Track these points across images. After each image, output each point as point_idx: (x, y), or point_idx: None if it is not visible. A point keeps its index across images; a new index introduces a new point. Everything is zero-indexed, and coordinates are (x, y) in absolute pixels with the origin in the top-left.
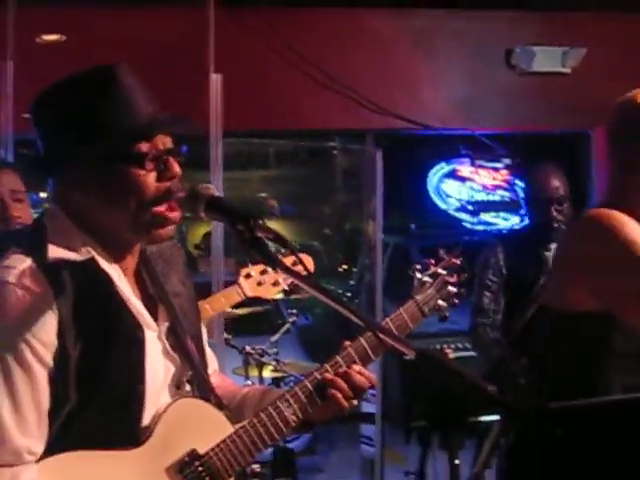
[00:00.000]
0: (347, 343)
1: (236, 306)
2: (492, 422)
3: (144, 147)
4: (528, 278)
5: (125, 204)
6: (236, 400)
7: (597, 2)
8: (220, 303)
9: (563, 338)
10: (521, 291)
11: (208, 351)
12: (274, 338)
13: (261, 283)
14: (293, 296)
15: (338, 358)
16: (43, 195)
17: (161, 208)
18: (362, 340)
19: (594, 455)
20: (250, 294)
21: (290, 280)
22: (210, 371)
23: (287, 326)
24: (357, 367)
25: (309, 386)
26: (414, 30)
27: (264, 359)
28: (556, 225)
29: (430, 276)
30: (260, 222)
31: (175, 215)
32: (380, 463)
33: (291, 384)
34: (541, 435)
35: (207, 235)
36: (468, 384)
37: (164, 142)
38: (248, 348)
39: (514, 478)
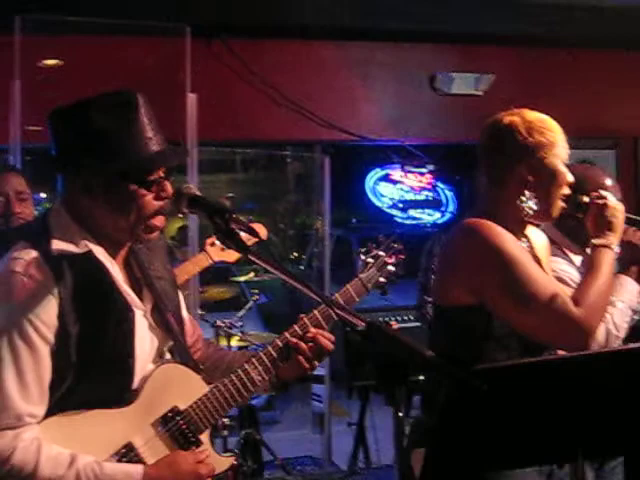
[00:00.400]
0: (302, 315)
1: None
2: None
3: (154, 175)
4: None
5: (127, 216)
6: (219, 362)
7: (503, 38)
8: (192, 267)
9: (448, 329)
10: None
11: (191, 319)
12: (240, 314)
13: (224, 249)
14: (255, 278)
15: (295, 327)
16: (43, 195)
17: (154, 221)
18: (316, 312)
19: (513, 407)
20: (216, 259)
21: (250, 243)
22: (195, 337)
23: (250, 304)
24: (321, 331)
25: (272, 352)
26: (353, 59)
27: (232, 331)
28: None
29: (372, 257)
30: (233, 216)
31: (162, 222)
32: (328, 416)
33: (254, 351)
34: (469, 391)
35: (181, 228)
36: (409, 349)
37: (163, 170)
38: (219, 322)
39: (444, 429)
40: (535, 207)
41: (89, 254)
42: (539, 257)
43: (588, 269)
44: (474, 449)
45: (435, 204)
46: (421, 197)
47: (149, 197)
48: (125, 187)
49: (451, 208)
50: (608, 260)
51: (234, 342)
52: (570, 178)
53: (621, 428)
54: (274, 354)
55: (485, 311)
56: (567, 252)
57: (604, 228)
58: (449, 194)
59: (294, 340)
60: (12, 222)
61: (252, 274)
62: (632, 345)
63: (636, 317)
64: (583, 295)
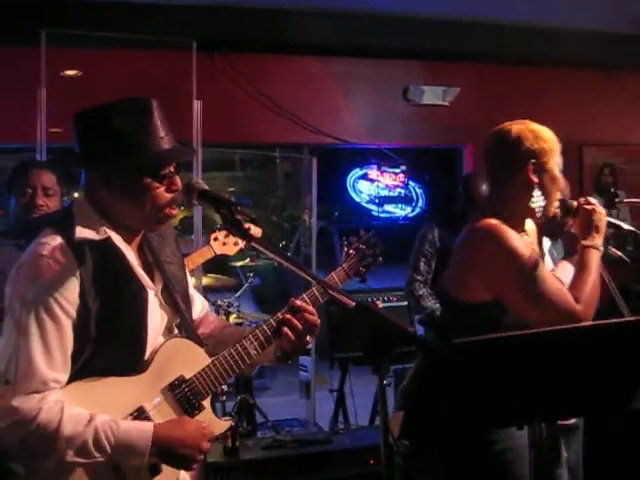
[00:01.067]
0: (292, 298)
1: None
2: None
3: (165, 169)
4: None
5: (142, 207)
6: (221, 335)
7: (469, 55)
8: (197, 258)
9: (464, 320)
10: (445, 259)
11: (199, 297)
12: (237, 295)
13: (225, 244)
14: (250, 263)
15: (271, 319)
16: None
17: (167, 211)
18: (304, 296)
19: (484, 375)
20: (218, 252)
21: (245, 242)
22: (204, 312)
23: (246, 286)
24: (310, 308)
25: (266, 329)
26: (336, 73)
27: (230, 310)
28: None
29: (354, 249)
30: (239, 208)
31: (175, 213)
32: (313, 384)
33: (248, 327)
34: (445, 362)
35: (183, 219)
36: (393, 325)
37: (173, 165)
38: (219, 302)
39: (420, 395)
40: (543, 205)
41: (108, 240)
42: (535, 245)
43: (580, 268)
44: (447, 412)
45: (407, 200)
46: (395, 194)
47: (161, 190)
48: (140, 181)
49: (421, 203)
50: (596, 259)
51: (232, 319)
52: (563, 184)
53: (581, 392)
54: (268, 332)
55: (500, 305)
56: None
57: (592, 231)
58: (419, 191)
59: (288, 316)
60: (33, 213)
61: (248, 260)
62: (594, 322)
63: None
64: (580, 292)
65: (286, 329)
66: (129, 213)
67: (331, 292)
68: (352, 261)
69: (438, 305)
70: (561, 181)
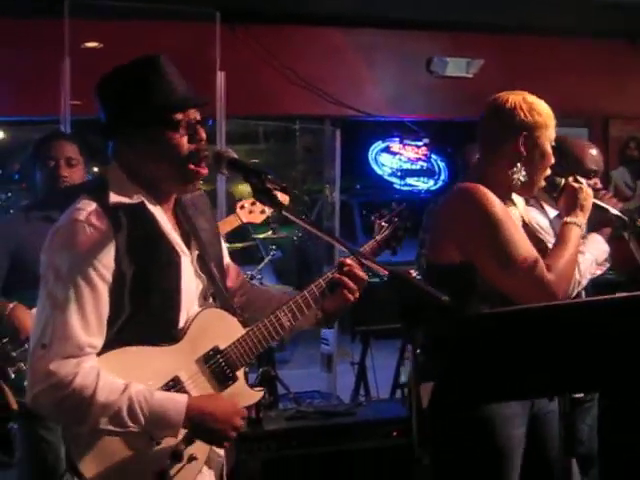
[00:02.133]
0: (341, 258)
1: (235, 241)
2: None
3: (179, 116)
4: None
5: (166, 162)
6: (259, 302)
7: (493, 26)
8: (224, 227)
9: (439, 284)
10: None
11: (234, 266)
12: (259, 267)
13: (252, 212)
14: (273, 235)
15: (320, 280)
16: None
17: (194, 166)
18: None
19: (511, 345)
20: (245, 220)
21: (272, 210)
22: (240, 280)
23: (269, 258)
24: (357, 265)
25: (299, 301)
26: (359, 44)
27: (252, 282)
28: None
29: (386, 222)
30: (269, 176)
31: (205, 171)
32: (335, 357)
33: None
34: (477, 332)
35: (205, 193)
36: (428, 294)
37: (195, 115)
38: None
39: (453, 363)
40: (523, 179)
41: (142, 205)
42: (524, 218)
43: (558, 242)
44: (476, 382)
45: (429, 173)
46: (417, 167)
47: (182, 139)
48: (158, 132)
49: (443, 177)
50: (576, 236)
51: None
52: (552, 160)
53: (597, 368)
54: (317, 292)
55: (472, 268)
56: (544, 204)
57: (576, 208)
58: (442, 164)
59: (338, 275)
60: (58, 184)
61: (270, 232)
62: (606, 296)
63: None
64: (554, 263)
65: (344, 281)
66: (155, 171)
67: (365, 261)
68: (385, 234)
69: None
70: (551, 157)
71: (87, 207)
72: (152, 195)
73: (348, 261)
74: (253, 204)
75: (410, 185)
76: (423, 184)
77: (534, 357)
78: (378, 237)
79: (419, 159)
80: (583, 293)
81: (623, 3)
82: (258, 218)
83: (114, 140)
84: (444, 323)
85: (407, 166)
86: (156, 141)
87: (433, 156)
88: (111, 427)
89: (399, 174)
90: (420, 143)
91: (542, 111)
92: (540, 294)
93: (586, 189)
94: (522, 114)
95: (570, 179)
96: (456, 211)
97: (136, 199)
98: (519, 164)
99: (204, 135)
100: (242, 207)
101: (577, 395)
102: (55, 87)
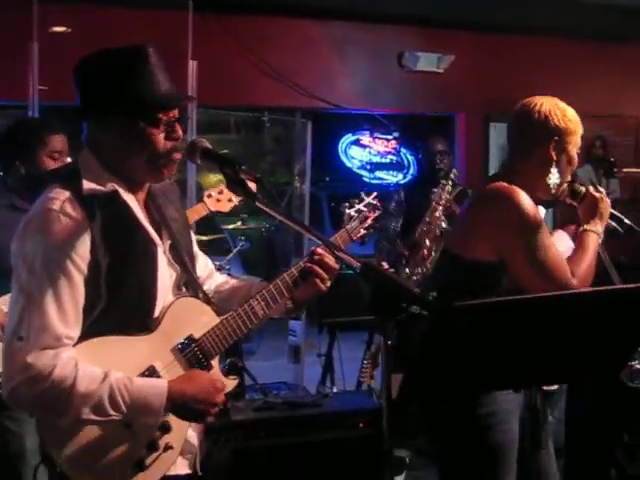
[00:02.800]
0: (313, 248)
1: (204, 233)
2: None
3: (163, 115)
4: (418, 207)
5: (141, 155)
6: (235, 292)
7: (465, 22)
8: (192, 216)
9: (466, 279)
10: (413, 216)
11: (202, 255)
12: (227, 258)
13: (219, 200)
14: (242, 227)
15: (292, 269)
16: None
17: (166, 164)
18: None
19: (484, 339)
20: (212, 209)
21: (240, 198)
22: (208, 270)
23: (237, 249)
24: (329, 255)
25: (272, 289)
26: (332, 37)
27: (220, 272)
28: (440, 169)
29: (355, 212)
30: (242, 167)
31: (178, 157)
32: (302, 349)
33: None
34: (448, 323)
35: (175, 182)
36: (399, 286)
37: (174, 113)
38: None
39: (422, 355)
40: (558, 183)
41: (115, 194)
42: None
43: (578, 249)
44: (446, 374)
45: (398, 167)
46: (386, 160)
47: (160, 136)
48: (137, 126)
49: (412, 171)
50: (595, 243)
51: None
52: (576, 165)
53: (576, 357)
54: (289, 280)
55: (503, 268)
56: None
57: (595, 217)
58: (411, 158)
59: (309, 264)
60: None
61: (239, 223)
62: (585, 290)
63: None
64: (577, 270)
65: (315, 271)
66: (129, 161)
67: (337, 253)
68: (354, 223)
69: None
70: (575, 163)
71: (60, 196)
72: (125, 183)
73: (319, 250)
74: (220, 193)
75: (379, 178)
76: (392, 177)
77: (507, 349)
78: (348, 226)
79: (389, 152)
80: None
81: (591, 4)
82: (226, 207)
83: (89, 125)
84: (418, 315)
85: (377, 159)
86: (134, 134)
87: (403, 150)
88: (93, 416)
89: (368, 167)
90: (390, 137)
91: (572, 117)
92: None
93: (605, 198)
94: (556, 119)
95: (591, 188)
96: (493, 211)
97: (109, 187)
98: (554, 169)
99: (181, 133)
100: (209, 196)
101: (547, 388)
102: (23, 72)
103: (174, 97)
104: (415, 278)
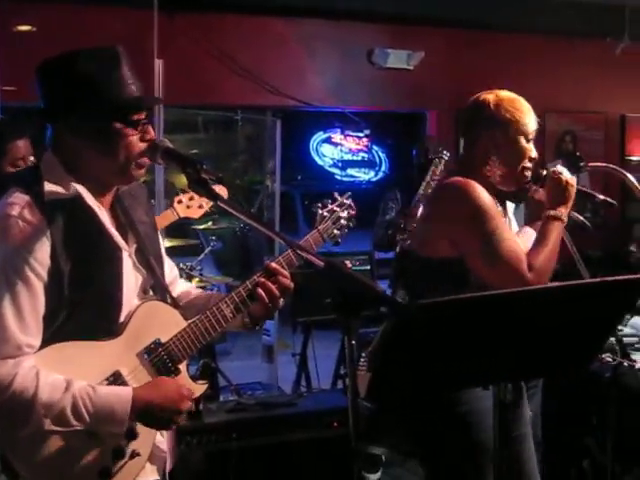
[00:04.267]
0: (267, 262)
1: (174, 236)
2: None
3: (137, 116)
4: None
5: (115, 157)
6: (197, 300)
7: (434, 19)
8: (161, 222)
9: (430, 277)
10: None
11: (168, 261)
12: (199, 259)
13: (189, 207)
14: (213, 227)
15: (247, 282)
16: None
17: (138, 165)
18: (280, 259)
19: (449, 336)
20: (182, 215)
21: (211, 204)
22: (173, 276)
23: (208, 249)
24: (284, 272)
25: (242, 292)
26: (301, 34)
27: (192, 273)
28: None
29: (328, 212)
30: (204, 167)
31: (147, 161)
32: (276, 348)
33: (210, 290)
34: (411, 321)
35: (144, 183)
36: (363, 285)
37: (145, 114)
38: (181, 265)
39: (391, 353)
40: (499, 173)
41: (79, 198)
42: (508, 216)
43: (540, 237)
44: (412, 373)
45: (370, 164)
46: (358, 158)
47: (135, 138)
48: (112, 127)
49: (384, 168)
50: (557, 230)
51: (194, 283)
52: (532, 154)
53: (540, 355)
54: (244, 295)
55: (463, 263)
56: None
57: (559, 200)
58: (382, 155)
59: (262, 280)
60: None
61: (210, 223)
62: (550, 285)
63: None
64: (535, 260)
65: (260, 291)
66: (101, 164)
67: (300, 252)
68: (327, 224)
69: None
70: (526, 151)
71: (20, 201)
72: (91, 186)
73: (273, 266)
74: (191, 199)
75: (351, 176)
76: (364, 175)
77: (471, 347)
78: (320, 227)
79: (360, 150)
80: None
81: (558, 1)
82: (196, 213)
83: (55, 127)
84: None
85: (348, 157)
86: (108, 135)
87: (374, 147)
88: (55, 427)
89: (340, 165)
90: (361, 134)
91: (512, 107)
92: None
93: (570, 180)
94: (489, 111)
95: (552, 169)
96: (447, 206)
97: (72, 191)
98: (494, 158)
99: (153, 134)
100: (180, 202)
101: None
102: None
103: (146, 98)
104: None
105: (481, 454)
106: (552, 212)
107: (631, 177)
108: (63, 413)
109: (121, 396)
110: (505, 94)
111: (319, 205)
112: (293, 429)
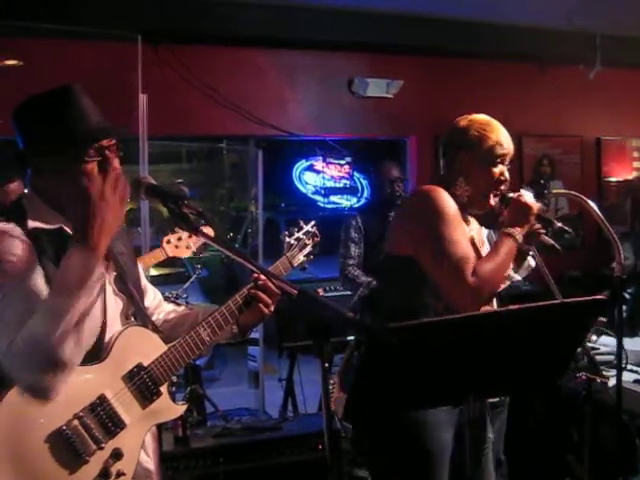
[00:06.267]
0: (255, 274)
1: (160, 265)
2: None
3: (89, 147)
4: (377, 233)
5: (76, 189)
6: (182, 320)
7: (412, 48)
8: (149, 260)
9: (394, 276)
10: (372, 243)
11: (152, 288)
12: (185, 286)
13: (178, 247)
14: (198, 255)
15: (236, 296)
16: None
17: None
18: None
19: (419, 358)
20: (170, 254)
21: (198, 244)
22: (157, 301)
23: (194, 277)
24: (269, 283)
25: (218, 316)
26: (282, 65)
27: (178, 301)
28: (397, 196)
29: (295, 240)
30: (186, 202)
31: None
32: (262, 374)
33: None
34: (383, 344)
35: (130, 211)
36: (334, 311)
37: (109, 144)
38: (167, 293)
39: (364, 375)
40: (466, 194)
41: (60, 230)
42: (474, 237)
43: (491, 249)
44: (387, 393)
45: (352, 191)
46: (340, 185)
47: (92, 170)
48: (68, 163)
49: (366, 194)
50: (508, 247)
51: None
52: (502, 177)
53: (510, 372)
54: (234, 308)
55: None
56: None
57: (516, 221)
58: (364, 182)
59: (253, 291)
60: None
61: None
62: (512, 307)
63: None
64: (481, 268)
65: (260, 294)
66: (69, 198)
67: (275, 281)
68: (294, 251)
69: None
70: (494, 174)
71: (10, 226)
72: (69, 220)
73: (262, 276)
74: (179, 239)
75: (334, 202)
76: (346, 201)
77: (441, 367)
78: (288, 254)
79: (342, 177)
80: (495, 303)
81: (533, 30)
82: (184, 253)
83: (32, 168)
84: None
85: (330, 184)
86: (66, 171)
87: (356, 174)
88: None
89: (323, 192)
90: (343, 161)
91: (482, 129)
92: (460, 294)
93: (530, 204)
94: (461, 131)
95: (516, 194)
96: (411, 207)
97: (55, 224)
98: (461, 179)
99: (118, 166)
100: (168, 242)
101: (492, 400)
102: None
103: (103, 129)
104: None
105: (429, 464)
106: (506, 230)
107: (591, 203)
108: (58, 306)
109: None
110: (478, 117)
111: (286, 233)
112: (279, 453)
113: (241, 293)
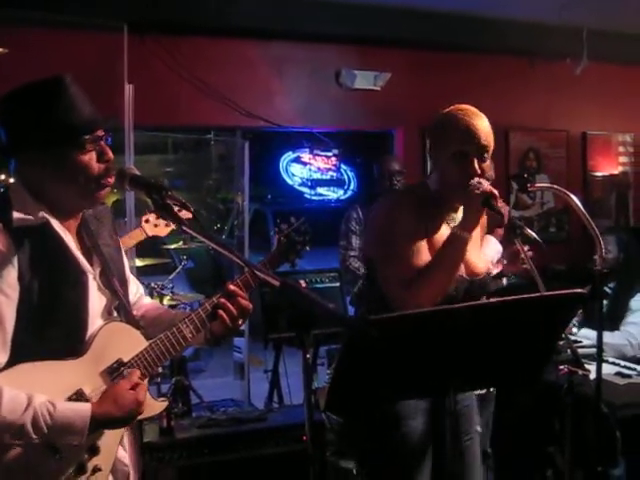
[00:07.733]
0: (227, 283)
1: (147, 256)
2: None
3: (86, 137)
4: None
5: (75, 182)
6: (153, 317)
7: (400, 41)
8: (129, 241)
9: (370, 271)
10: None
11: (134, 280)
12: (170, 277)
13: (157, 225)
14: (184, 246)
15: (221, 293)
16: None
17: (101, 185)
18: (238, 281)
19: (399, 349)
20: (150, 234)
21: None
22: (138, 295)
23: (180, 268)
24: (242, 293)
25: (201, 313)
26: (270, 56)
27: (164, 292)
28: (397, 189)
29: (285, 236)
30: (169, 193)
31: (111, 180)
32: (247, 365)
33: (182, 309)
34: (364, 336)
35: (115, 202)
36: (316, 303)
37: (101, 134)
38: (153, 284)
39: (345, 367)
40: (439, 189)
41: (46, 225)
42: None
43: (436, 254)
44: (368, 385)
45: (339, 183)
46: (327, 177)
47: (91, 160)
48: (64, 154)
49: (352, 186)
50: (456, 245)
51: (166, 301)
52: (471, 171)
53: (487, 367)
54: (203, 315)
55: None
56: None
57: (467, 218)
58: (351, 174)
59: (222, 300)
60: None
61: (181, 242)
62: (492, 300)
63: (495, 270)
64: (417, 280)
65: (221, 312)
66: (62, 190)
67: (258, 273)
68: (283, 248)
69: None
70: (467, 166)
71: None
72: (57, 214)
73: (231, 287)
74: (158, 217)
75: (320, 194)
76: (333, 194)
77: (422, 357)
78: (276, 251)
79: (329, 169)
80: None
81: (520, 23)
82: (163, 231)
83: (16, 160)
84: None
85: (317, 176)
86: (64, 162)
87: (343, 166)
88: (14, 441)
89: (309, 184)
90: (330, 153)
91: (447, 122)
92: (397, 305)
93: (485, 189)
94: (433, 124)
95: (475, 180)
96: (374, 212)
97: (40, 218)
98: (435, 173)
99: (111, 155)
100: (147, 221)
101: (480, 392)
102: None
103: (97, 120)
104: None
105: (406, 448)
106: (455, 227)
107: (574, 197)
108: (23, 429)
109: (80, 410)
110: (455, 108)
111: (276, 229)
112: (264, 443)
113: (211, 301)
